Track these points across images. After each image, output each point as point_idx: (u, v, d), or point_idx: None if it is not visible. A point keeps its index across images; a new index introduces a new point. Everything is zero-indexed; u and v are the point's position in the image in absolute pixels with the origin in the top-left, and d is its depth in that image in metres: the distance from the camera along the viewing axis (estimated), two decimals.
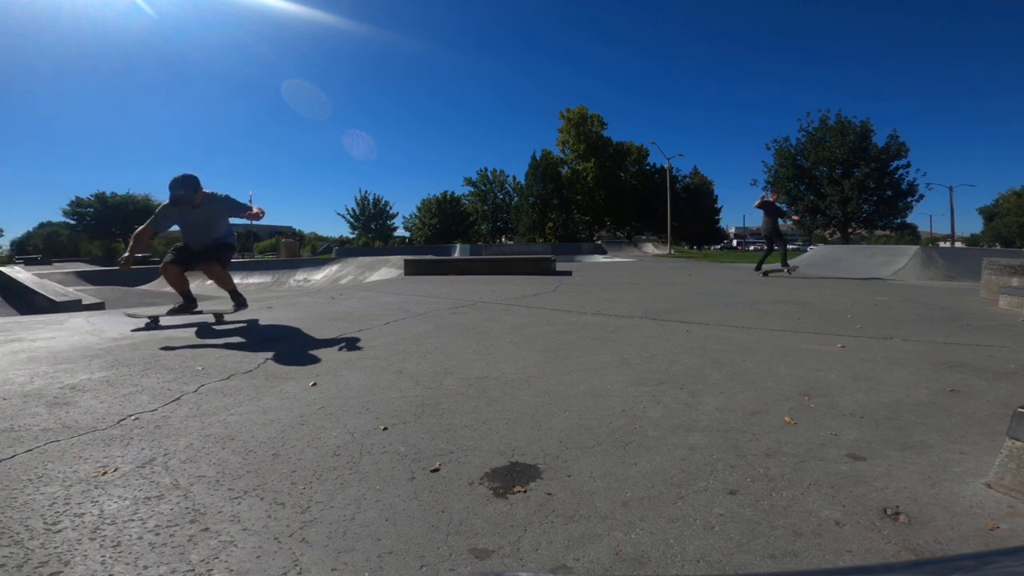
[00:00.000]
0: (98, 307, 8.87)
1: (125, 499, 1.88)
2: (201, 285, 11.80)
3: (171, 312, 5.93)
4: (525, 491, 1.94)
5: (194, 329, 5.29)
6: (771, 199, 13.12)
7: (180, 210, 5.59)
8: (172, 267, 5.70)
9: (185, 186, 5.47)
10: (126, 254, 5.47)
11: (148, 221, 5.65)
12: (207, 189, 5.70)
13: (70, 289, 12.85)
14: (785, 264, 12.76)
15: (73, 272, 24.34)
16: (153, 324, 5.60)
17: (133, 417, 2.73)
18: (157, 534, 1.67)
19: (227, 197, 5.84)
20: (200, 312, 6.08)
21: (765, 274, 12.89)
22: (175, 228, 5.79)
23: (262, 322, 5.78)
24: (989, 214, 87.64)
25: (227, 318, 6.03)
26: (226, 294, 6.07)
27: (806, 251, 29.32)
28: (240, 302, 6.06)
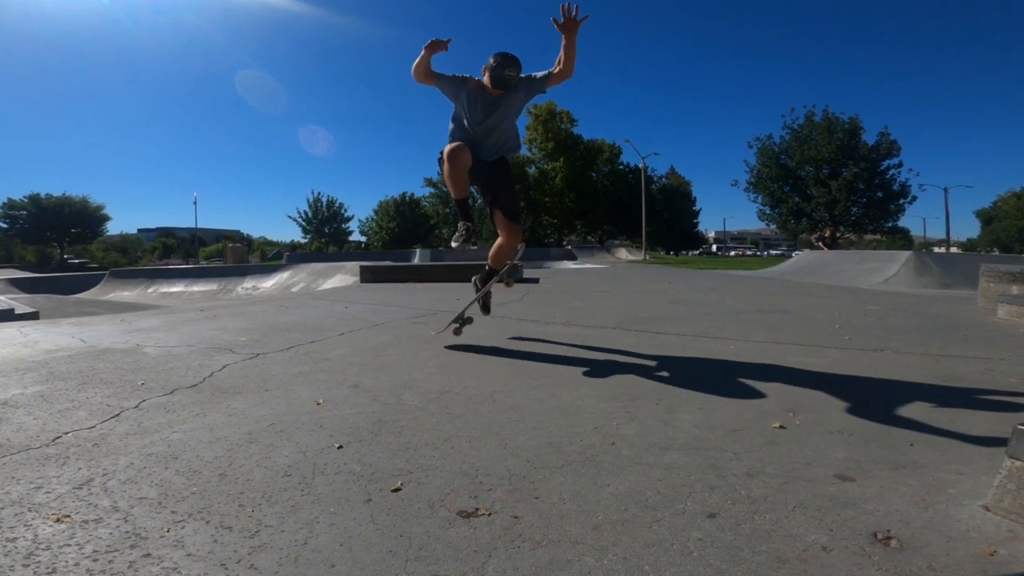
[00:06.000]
0: (32, 317, 8.71)
1: (61, 523, 1.87)
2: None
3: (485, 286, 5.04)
4: (490, 514, 1.94)
5: (135, 341, 5.22)
6: None
7: (477, 93, 4.57)
8: (464, 154, 4.46)
9: (517, 66, 4.46)
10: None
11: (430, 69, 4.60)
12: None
13: (2, 297, 12.56)
14: None
15: (5, 279, 23.83)
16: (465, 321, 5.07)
17: (70, 435, 2.71)
18: (95, 560, 1.65)
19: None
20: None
21: None
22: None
23: (207, 333, 5.71)
24: (987, 217, 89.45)
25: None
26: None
27: (791, 257, 29.86)
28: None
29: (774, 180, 49.57)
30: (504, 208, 4.69)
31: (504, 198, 4.72)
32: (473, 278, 5.18)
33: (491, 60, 4.45)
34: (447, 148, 4.45)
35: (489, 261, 4.95)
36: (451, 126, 4.73)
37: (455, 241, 4.66)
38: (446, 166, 4.45)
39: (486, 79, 4.51)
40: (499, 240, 4.80)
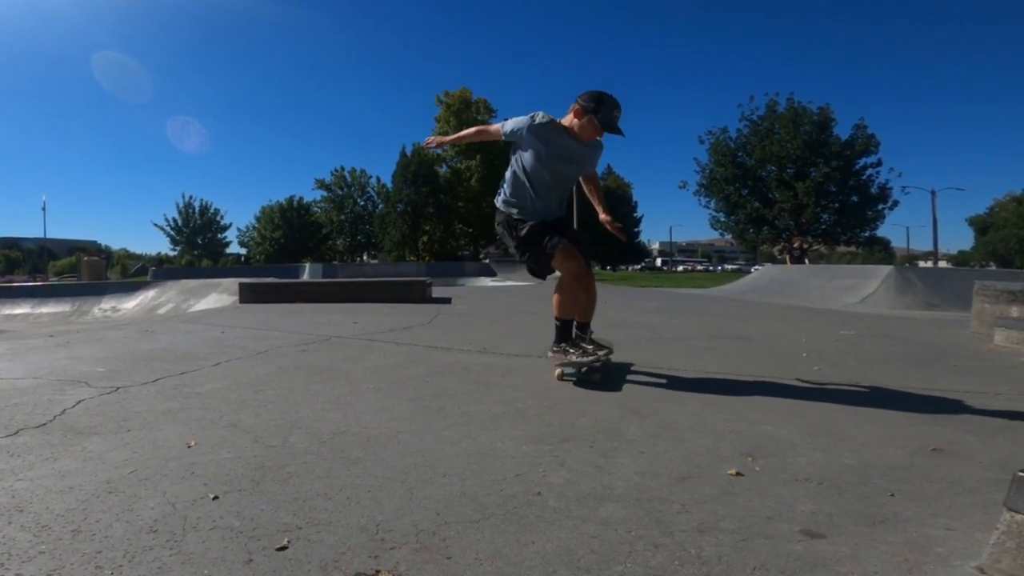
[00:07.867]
0: None
1: None
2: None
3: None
4: None
5: None
6: None
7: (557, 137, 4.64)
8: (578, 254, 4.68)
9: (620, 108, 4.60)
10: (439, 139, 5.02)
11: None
12: None
13: None
14: None
15: None
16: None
17: None
18: None
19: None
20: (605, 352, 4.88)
21: None
22: None
23: (58, 363, 5.70)
24: (982, 225, 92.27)
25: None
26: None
27: (750, 272, 30.62)
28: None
29: (729, 182, 50.24)
30: (581, 245, 4.87)
31: (577, 238, 4.91)
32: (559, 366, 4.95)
33: (588, 101, 4.53)
34: (560, 250, 4.56)
35: (563, 312, 4.93)
36: (510, 174, 4.90)
37: (584, 367, 4.76)
38: (568, 280, 4.67)
39: (583, 122, 4.55)
40: (569, 283, 4.86)
